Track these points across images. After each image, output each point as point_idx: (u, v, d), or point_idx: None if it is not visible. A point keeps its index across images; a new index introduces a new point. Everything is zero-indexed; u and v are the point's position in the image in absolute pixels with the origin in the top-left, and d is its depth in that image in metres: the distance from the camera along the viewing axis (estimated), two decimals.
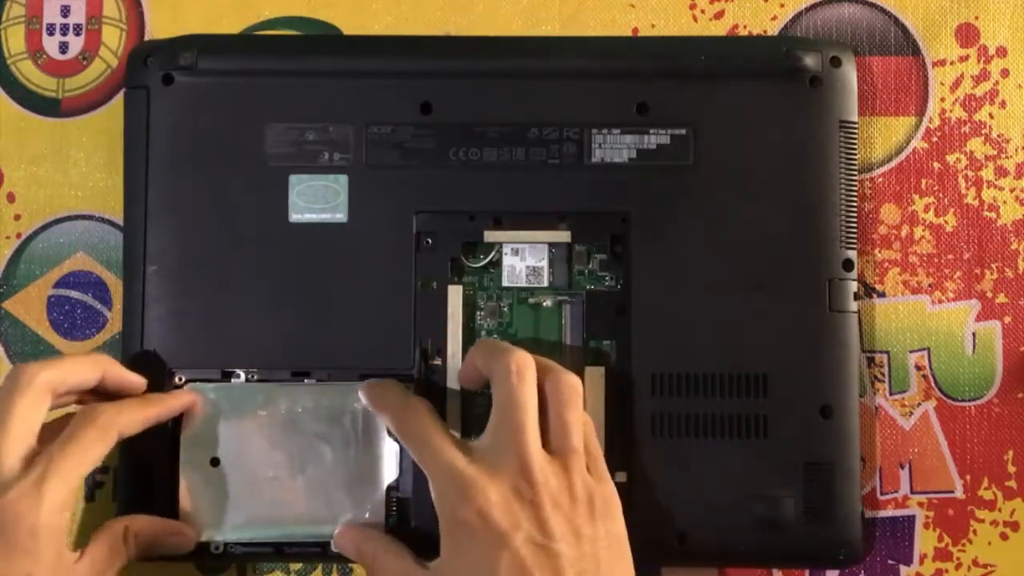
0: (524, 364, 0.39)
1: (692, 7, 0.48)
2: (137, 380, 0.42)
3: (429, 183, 0.45)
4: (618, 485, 0.43)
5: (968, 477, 0.46)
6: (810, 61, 0.45)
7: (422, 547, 0.40)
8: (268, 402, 0.44)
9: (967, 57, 0.48)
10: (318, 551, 0.44)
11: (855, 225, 0.45)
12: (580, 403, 0.40)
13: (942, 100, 0.48)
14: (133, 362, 0.44)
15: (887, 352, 0.47)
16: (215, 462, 0.43)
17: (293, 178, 0.45)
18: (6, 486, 0.37)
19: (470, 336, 0.45)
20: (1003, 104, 0.48)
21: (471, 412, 0.45)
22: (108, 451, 0.39)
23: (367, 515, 0.43)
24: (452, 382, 0.44)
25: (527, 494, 0.37)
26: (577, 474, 0.39)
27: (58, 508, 0.38)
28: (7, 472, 0.37)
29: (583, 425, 0.40)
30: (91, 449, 0.39)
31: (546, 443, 0.39)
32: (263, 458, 0.43)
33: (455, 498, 0.38)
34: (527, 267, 0.45)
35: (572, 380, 0.40)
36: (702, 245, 0.44)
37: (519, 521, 0.37)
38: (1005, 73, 0.48)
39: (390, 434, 0.43)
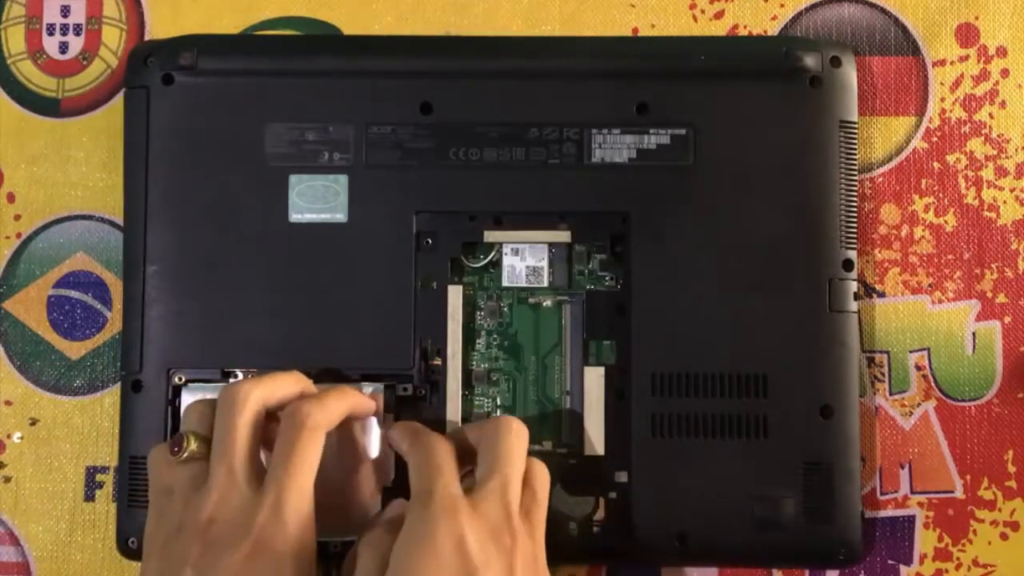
0: (523, 427, 0.41)
1: (692, 7, 0.48)
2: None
3: (429, 183, 0.45)
4: (618, 485, 0.44)
5: (968, 477, 0.46)
6: (810, 61, 0.45)
7: None
8: None
9: (967, 57, 0.48)
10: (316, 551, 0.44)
11: (855, 225, 0.45)
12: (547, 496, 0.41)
13: (942, 100, 0.48)
14: (133, 362, 0.44)
15: (887, 352, 0.47)
16: None
17: (293, 178, 0.45)
18: (249, 514, 0.36)
19: (470, 336, 0.45)
20: (1003, 104, 0.48)
21: (471, 412, 0.45)
22: (321, 451, 0.38)
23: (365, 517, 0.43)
24: (452, 382, 0.44)
25: (505, 543, 0.37)
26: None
27: (305, 525, 0.37)
28: (244, 498, 0.37)
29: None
30: (311, 455, 0.38)
31: None
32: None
33: (440, 515, 0.37)
34: (527, 267, 0.45)
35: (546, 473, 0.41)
36: (702, 245, 0.44)
37: (490, 561, 0.37)
38: (1005, 73, 0.48)
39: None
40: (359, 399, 0.41)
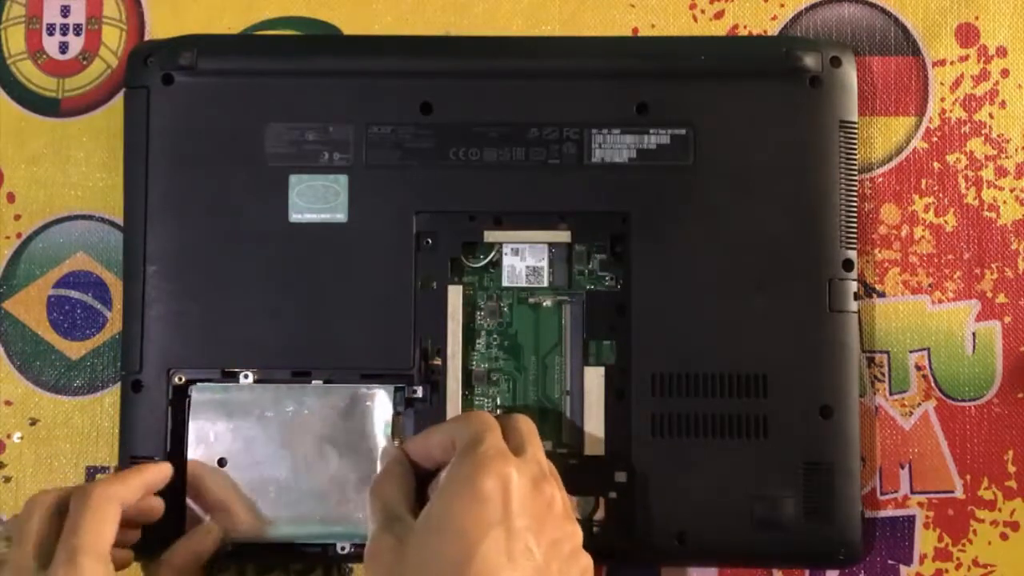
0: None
1: (692, 7, 0.48)
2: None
3: (429, 183, 0.45)
4: (618, 485, 0.44)
5: (968, 477, 0.46)
6: (810, 61, 0.45)
7: None
8: (274, 403, 0.44)
9: (967, 57, 0.48)
10: (320, 552, 0.44)
11: (855, 225, 0.45)
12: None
13: (942, 100, 0.48)
14: (133, 362, 0.44)
15: (887, 352, 0.47)
16: (222, 462, 0.43)
17: (293, 178, 0.45)
18: None
19: (470, 336, 0.45)
20: (1003, 104, 0.48)
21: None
22: (117, 524, 0.39)
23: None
24: (452, 382, 0.44)
25: (546, 492, 0.38)
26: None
27: None
28: (35, 572, 0.37)
29: None
30: (98, 520, 0.38)
31: None
32: (269, 459, 0.43)
33: (491, 458, 0.38)
34: (527, 267, 0.45)
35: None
36: (702, 245, 0.44)
37: (527, 510, 0.37)
38: (1005, 73, 0.48)
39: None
40: (152, 470, 0.42)
